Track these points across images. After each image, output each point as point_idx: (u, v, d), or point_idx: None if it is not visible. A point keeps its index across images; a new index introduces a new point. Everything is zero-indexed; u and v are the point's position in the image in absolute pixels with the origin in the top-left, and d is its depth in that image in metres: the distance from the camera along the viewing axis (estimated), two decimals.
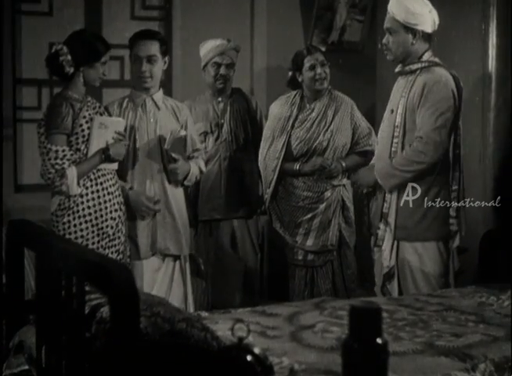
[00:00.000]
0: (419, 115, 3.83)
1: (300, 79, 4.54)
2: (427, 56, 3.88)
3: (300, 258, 4.56)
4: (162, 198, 4.00)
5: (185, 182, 4.10)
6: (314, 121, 4.53)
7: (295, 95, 4.59)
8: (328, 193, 4.53)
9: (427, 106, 3.81)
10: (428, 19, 3.83)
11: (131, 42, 4.04)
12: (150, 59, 3.97)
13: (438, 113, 3.80)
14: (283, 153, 4.50)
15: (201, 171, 4.19)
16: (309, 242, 4.53)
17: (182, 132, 4.05)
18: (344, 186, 4.56)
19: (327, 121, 4.54)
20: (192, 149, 4.16)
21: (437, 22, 3.86)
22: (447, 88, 3.82)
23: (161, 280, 4.03)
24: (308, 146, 4.50)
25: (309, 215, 4.52)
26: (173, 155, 3.98)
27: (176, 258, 4.09)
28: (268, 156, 4.55)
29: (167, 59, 4.06)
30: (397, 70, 3.97)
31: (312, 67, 4.48)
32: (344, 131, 4.55)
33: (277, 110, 4.59)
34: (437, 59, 3.90)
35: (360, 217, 4.42)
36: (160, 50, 4.00)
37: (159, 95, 4.09)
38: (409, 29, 3.84)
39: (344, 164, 4.53)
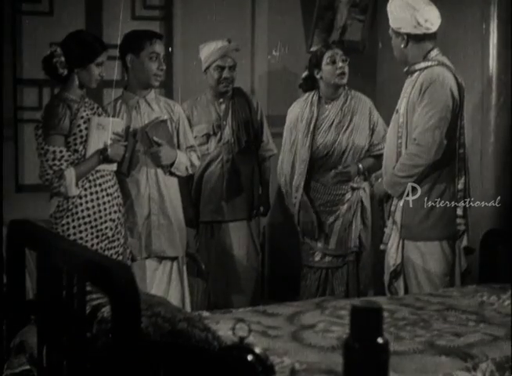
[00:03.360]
0: (416, 114, 3.84)
1: (318, 76, 4.44)
2: (432, 55, 3.89)
3: (317, 259, 4.52)
4: (157, 199, 3.99)
5: (172, 170, 4.02)
6: (332, 122, 4.45)
7: (312, 96, 4.50)
8: (348, 195, 4.47)
9: (423, 106, 3.81)
10: (410, 22, 3.83)
11: (139, 39, 3.96)
12: (162, 58, 3.98)
13: (431, 112, 3.79)
14: (308, 155, 4.41)
15: (192, 164, 4.12)
16: (331, 245, 4.49)
17: (164, 116, 4.02)
18: (363, 188, 4.51)
19: (346, 121, 4.47)
20: (186, 145, 4.14)
21: (424, 23, 3.84)
22: (444, 88, 3.82)
23: (159, 282, 4.02)
24: (327, 148, 4.44)
25: (331, 219, 4.49)
26: (154, 139, 3.94)
27: (173, 259, 4.08)
28: (295, 159, 4.48)
29: None
30: (404, 69, 3.98)
31: (333, 61, 4.39)
32: (363, 131, 4.48)
33: (299, 111, 4.50)
34: (444, 58, 3.90)
35: (375, 219, 4.44)
36: None
37: (151, 95, 4.06)
38: (398, 33, 3.90)
39: (360, 166, 4.46)
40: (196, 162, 4.16)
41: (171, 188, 4.06)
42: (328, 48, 4.50)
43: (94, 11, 4.94)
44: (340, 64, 4.40)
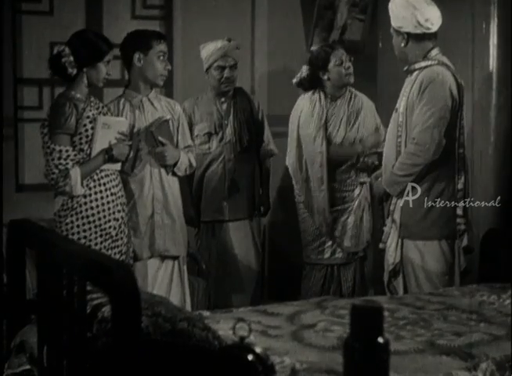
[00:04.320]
0: (415, 113, 3.84)
1: (325, 77, 4.52)
2: (433, 55, 3.89)
3: (326, 256, 4.54)
4: (161, 199, 3.98)
5: (175, 170, 4.02)
6: (341, 119, 4.54)
7: (319, 93, 4.57)
8: (357, 191, 4.56)
9: (422, 105, 3.82)
10: (411, 21, 3.84)
11: (147, 38, 3.94)
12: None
13: (430, 112, 3.80)
14: (325, 147, 4.48)
15: (191, 165, 4.11)
16: (346, 242, 4.52)
17: (167, 116, 4.02)
18: (367, 183, 4.57)
19: (352, 118, 4.56)
20: (183, 145, 4.14)
21: (424, 22, 3.84)
22: (443, 87, 3.82)
23: (161, 281, 4.02)
24: (338, 143, 4.52)
25: (344, 216, 4.52)
26: (159, 138, 3.94)
27: (175, 258, 4.08)
28: (307, 153, 4.52)
29: None
30: (404, 68, 3.99)
31: (341, 62, 4.49)
32: (369, 128, 4.60)
33: (309, 105, 4.55)
34: (444, 58, 3.91)
35: (375, 217, 4.45)
36: None
37: (153, 94, 4.06)
38: (398, 32, 3.91)
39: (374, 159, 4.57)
40: (194, 163, 4.16)
41: (174, 187, 4.06)
42: (332, 48, 4.56)
43: (94, 11, 4.94)
44: (348, 64, 4.50)
